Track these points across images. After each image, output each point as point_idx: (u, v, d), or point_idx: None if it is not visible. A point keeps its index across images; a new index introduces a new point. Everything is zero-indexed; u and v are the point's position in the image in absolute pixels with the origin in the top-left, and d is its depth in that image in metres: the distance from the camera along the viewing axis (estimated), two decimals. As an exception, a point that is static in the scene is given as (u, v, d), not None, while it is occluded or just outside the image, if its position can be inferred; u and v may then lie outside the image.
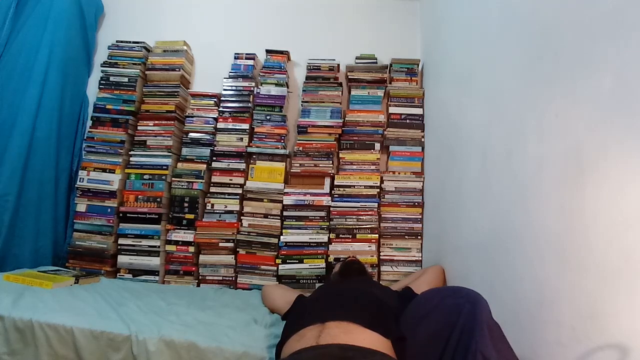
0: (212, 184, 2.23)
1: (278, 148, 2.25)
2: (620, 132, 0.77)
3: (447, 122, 1.92)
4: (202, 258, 2.15)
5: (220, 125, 2.29)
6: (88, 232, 2.16)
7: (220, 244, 2.14)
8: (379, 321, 1.01)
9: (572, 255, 0.89)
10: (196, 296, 1.81)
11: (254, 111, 2.32)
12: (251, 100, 2.32)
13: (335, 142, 2.27)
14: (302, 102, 2.35)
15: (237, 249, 2.14)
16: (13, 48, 2.13)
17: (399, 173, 2.23)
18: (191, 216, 2.18)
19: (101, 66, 2.36)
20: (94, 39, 2.51)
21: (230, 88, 2.35)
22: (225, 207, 2.19)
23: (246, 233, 2.14)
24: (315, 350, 0.89)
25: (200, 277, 2.15)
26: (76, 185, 2.20)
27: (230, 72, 2.39)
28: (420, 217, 2.19)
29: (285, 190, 2.20)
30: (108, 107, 2.29)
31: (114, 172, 2.20)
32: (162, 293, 1.79)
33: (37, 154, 2.10)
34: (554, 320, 0.94)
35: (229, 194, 2.21)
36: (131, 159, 2.24)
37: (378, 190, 2.21)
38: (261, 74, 2.38)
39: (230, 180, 2.23)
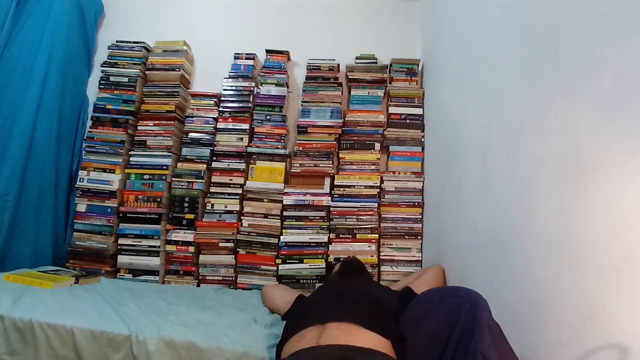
0: (212, 184, 2.23)
1: (278, 148, 2.25)
2: (620, 132, 0.77)
3: (447, 122, 1.92)
4: (202, 258, 2.15)
5: (220, 125, 2.29)
6: (88, 232, 2.16)
7: (220, 244, 2.14)
8: (378, 321, 1.01)
9: (572, 255, 0.89)
10: (196, 296, 1.81)
11: (254, 111, 2.32)
12: (251, 100, 2.32)
13: (335, 142, 2.27)
14: (302, 102, 2.35)
15: (237, 249, 2.14)
16: (13, 48, 2.13)
17: (399, 173, 2.23)
18: (191, 216, 2.18)
19: (101, 66, 2.36)
20: (94, 39, 2.51)
21: (230, 88, 2.35)
22: (225, 207, 2.19)
23: (246, 233, 2.14)
24: (316, 350, 0.89)
25: (200, 277, 2.15)
26: (76, 185, 2.20)
27: (230, 72, 2.39)
28: (420, 217, 2.19)
29: (285, 190, 2.20)
30: (108, 107, 2.29)
31: (114, 172, 2.20)
32: (162, 293, 1.79)
33: (37, 154, 2.10)
34: (554, 320, 0.94)
35: (229, 194, 2.21)
36: (131, 159, 2.24)
37: (378, 190, 2.21)
38: (261, 74, 2.38)
39: (230, 180, 2.23)
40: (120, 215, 2.17)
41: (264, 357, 1.23)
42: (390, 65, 2.39)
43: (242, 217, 2.19)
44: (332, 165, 2.22)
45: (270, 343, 1.28)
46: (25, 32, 2.16)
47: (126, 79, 2.33)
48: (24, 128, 2.07)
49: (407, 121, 2.29)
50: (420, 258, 2.15)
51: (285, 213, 2.18)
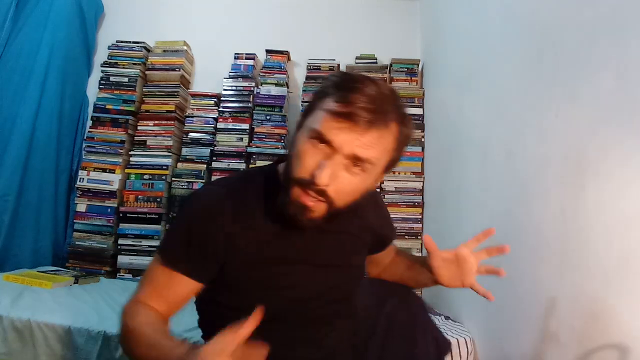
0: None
1: (278, 148, 2.25)
2: (621, 132, 0.77)
3: (447, 122, 1.92)
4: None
5: (220, 125, 2.29)
6: (88, 232, 2.15)
7: (220, 244, 2.14)
8: None
9: (572, 255, 0.89)
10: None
11: (254, 111, 2.32)
12: (251, 100, 2.32)
13: (335, 142, 2.26)
14: (302, 102, 2.35)
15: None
16: (13, 48, 2.13)
17: (399, 173, 2.23)
18: (191, 216, 2.18)
19: (101, 66, 2.35)
20: (94, 39, 2.51)
21: (230, 88, 2.35)
22: (225, 207, 2.19)
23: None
24: None
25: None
26: (76, 185, 2.20)
27: (230, 72, 2.39)
28: (420, 217, 2.19)
29: (285, 190, 2.19)
30: (108, 107, 2.29)
31: (114, 172, 2.20)
32: (162, 293, 1.79)
33: (37, 154, 2.10)
34: (554, 320, 0.94)
35: (228, 194, 2.20)
36: (131, 159, 2.24)
37: (378, 190, 2.21)
38: (261, 74, 2.38)
39: (230, 180, 2.22)
40: (120, 215, 2.17)
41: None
42: (390, 65, 2.39)
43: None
44: (332, 166, 2.22)
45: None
46: (25, 32, 2.16)
47: (126, 79, 2.33)
48: (24, 128, 2.07)
49: (407, 121, 2.29)
50: (420, 258, 2.15)
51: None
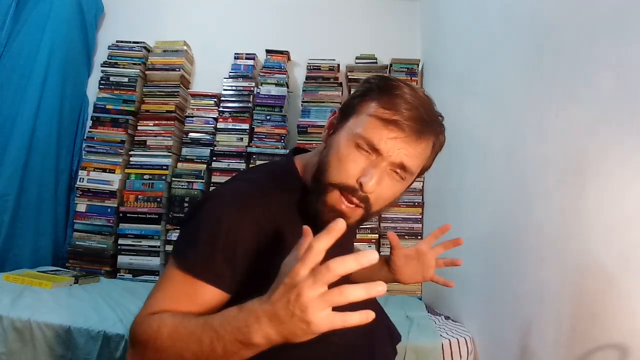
0: (212, 184, 2.23)
1: (278, 148, 2.25)
2: (621, 131, 0.77)
3: (447, 122, 1.91)
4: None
5: (220, 125, 2.29)
6: (88, 232, 2.15)
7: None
8: None
9: (572, 255, 0.89)
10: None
11: (254, 111, 2.32)
12: (251, 100, 2.32)
13: (335, 142, 2.26)
14: (302, 102, 2.35)
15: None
16: (13, 48, 2.13)
17: (399, 173, 2.23)
18: (191, 216, 2.18)
19: (101, 66, 2.36)
20: (94, 39, 2.51)
21: (230, 88, 2.35)
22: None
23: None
24: None
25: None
26: (76, 185, 2.20)
27: (230, 72, 2.39)
28: (420, 217, 2.19)
29: (285, 190, 2.19)
30: (108, 107, 2.29)
31: (114, 172, 2.20)
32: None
33: (37, 154, 2.10)
34: (554, 320, 0.94)
35: (228, 194, 2.21)
36: (131, 159, 2.24)
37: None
38: (261, 74, 2.38)
39: (230, 180, 2.23)
40: (120, 215, 2.17)
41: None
42: (390, 65, 2.39)
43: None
44: (332, 166, 2.22)
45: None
46: (25, 32, 2.16)
47: (126, 79, 2.33)
48: (24, 128, 2.07)
49: (407, 121, 2.29)
50: (420, 258, 2.15)
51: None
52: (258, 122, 2.29)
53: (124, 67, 2.35)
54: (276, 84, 2.35)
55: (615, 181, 0.78)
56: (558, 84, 0.98)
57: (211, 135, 2.30)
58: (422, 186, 2.22)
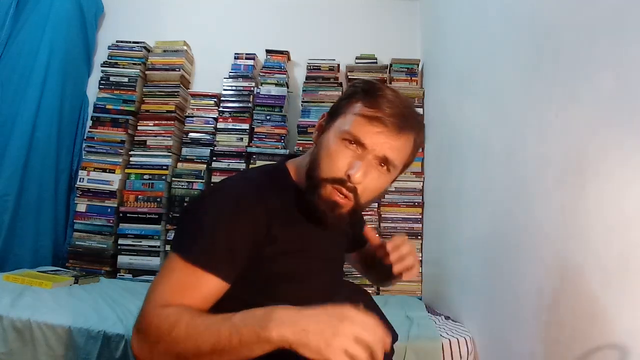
0: (212, 184, 2.23)
1: (278, 148, 2.25)
2: (621, 132, 0.77)
3: (447, 122, 1.92)
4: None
5: (220, 125, 2.29)
6: (88, 232, 2.15)
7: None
8: None
9: (572, 255, 0.89)
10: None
11: (254, 111, 2.32)
12: (251, 100, 2.32)
13: (335, 142, 2.26)
14: (302, 102, 2.35)
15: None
16: (13, 48, 2.13)
17: (399, 173, 2.22)
18: (191, 216, 2.18)
19: (101, 66, 2.35)
20: (94, 39, 2.51)
21: (230, 88, 2.35)
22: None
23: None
24: None
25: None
26: (76, 185, 2.20)
27: (230, 72, 2.39)
28: (420, 217, 2.19)
29: (285, 190, 2.19)
30: (108, 107, 2.29)
31: (114, 172, 2.20)
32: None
33: (37, 154, 2.10)
34: (554, 320, 0.94)
35: (228, 194, 2.20)
36: (131, 159, 2.24)
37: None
38: (261, 74, 2.38)
39: (230, 180, 2.22)
40: (120, 215, 2.17)
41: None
42: (391, 65, 2.39)
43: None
44: (332, 166, 2.22)
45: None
46: (25, 32, 2.16)
47: (126, 79, 2.33)
48: (24, 128, 2.07)
49: (407, 121, 2.28)
50: (420, 258, 2.15)
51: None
52: (258, 122, 2.29)
53: (124, 67, 2.34)
54: (276, 84, 2.35)
55: (615, 181, 0.78)
56: (558, 84, 0.98)
57: (211, 135, 2.30)
58: (422, 186, 2.22)
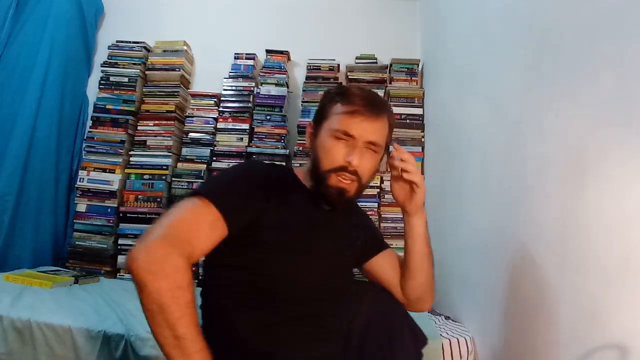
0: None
1: (278, 148, 2.25)
2: (621, 132, 0.77)
3: (447, 122, 1.92)
4: (203, 258, 2.14)
5: (220, 125, 2.29)
6: (88, 232, 2.15)
7: (220, 244, 2.14)
8: None
9: (572, 255, 0.89)
10: (196, 296, 1.80)
11: (254, 111, 2.32)
12: (251, 100, 2.32)
13: (335, 142, 2.26)
14: (302, 102, 2.35)
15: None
16: (13, 48, 2.13)
17: (399, 173, 2.22)
18: (191, 216, 2.18)
19: (101, 66, 2.35)
20: (94, 39, 2.51)
21: (230, 88, 2.35)
22: (225, 207, 2.19)
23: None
24: None
25: (200, 277, 2.15)
26: (76, 185, 2.20)
27: (230, 72, 2.39)
28: (420, 217, 2.18)
29: (285, 191, 2.19)
30: (108, 107, 2.29)
31: (114, 172, 2.19)
32: (162, 293, 1.79)
33: (37, 154, 2.10)
34: (554, 320, 0.94)
35: (228, 194, 2.21)
36: (131, 159, 2.24)
37: (378, 190, 2.20)
38: (261, 74, 2.38)
39: (230, 180, 2.23)
40: (120, 215, 2.17)
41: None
42: (390, 65, 2.39)
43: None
44: (332, 166, 2.22)
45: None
46: (25, 32, 2.16)
47: (126, 79, 2.33)
48: (24, 128, 2.07)
49: (407, 121, 2.29)
50: (420, 258, 2.15)
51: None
52: (258, 122, 2.29)
53: (124, 67, 2.35)
54: (276, 84, 2.35)
55: (615, 181, 0.78)
56: (558, 84, 0.98)
57: (211, 135, 2.30)
58: (422, 186, 2.21)
